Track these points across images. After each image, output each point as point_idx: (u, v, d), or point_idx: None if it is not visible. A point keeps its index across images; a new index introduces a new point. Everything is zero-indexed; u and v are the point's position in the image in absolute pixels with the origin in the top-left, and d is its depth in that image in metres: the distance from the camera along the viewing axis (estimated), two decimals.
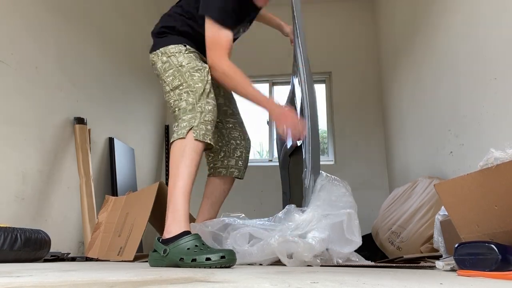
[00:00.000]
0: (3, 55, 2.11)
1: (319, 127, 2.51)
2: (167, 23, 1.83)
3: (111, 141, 3.16)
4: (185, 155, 1.52)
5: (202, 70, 1.66)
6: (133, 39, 3.63)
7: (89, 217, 2.48)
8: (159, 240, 1.43)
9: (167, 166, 4.18)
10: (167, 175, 4.15)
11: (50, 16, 2.50)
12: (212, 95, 1.65)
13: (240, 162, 1.92)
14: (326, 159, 4.10)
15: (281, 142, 2.54)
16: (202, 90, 1.60)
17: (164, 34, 1.80)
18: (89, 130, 2.78)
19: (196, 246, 1.32)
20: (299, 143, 2.15)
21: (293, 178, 2.35)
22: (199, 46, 1.78)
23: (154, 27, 1.88)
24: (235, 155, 1.91)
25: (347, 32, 4.39)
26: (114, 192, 3.04)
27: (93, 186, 2.62)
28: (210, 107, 1.61)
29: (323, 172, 1.80)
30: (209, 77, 1.67)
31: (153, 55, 1.79)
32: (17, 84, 2.19)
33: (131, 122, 3.57)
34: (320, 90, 4.38)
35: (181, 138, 1.53)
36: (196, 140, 1.53)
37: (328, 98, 4.31)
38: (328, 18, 4.45)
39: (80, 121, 2.69)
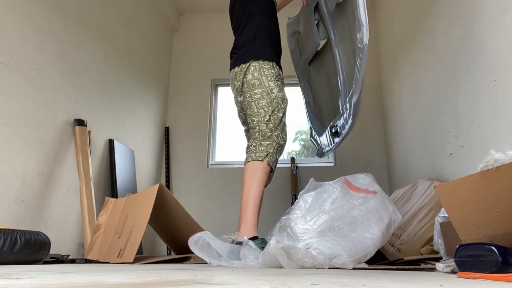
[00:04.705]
0: (3, 57, 2.11)
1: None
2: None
3: (111, 142, 3.16)
4: (258, 176, 1.87)
5: (285, 102, 2.04)
6: (133, 40, 3.64)
7: (89, 219, 2.48)
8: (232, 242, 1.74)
9: (167, 167, 4.18)
10: (167, 176, 4.15)
11: (50, 18, 2.50)
12: (286, 127, 2.06)
13: (270, 174, 2.19)
14: (326, 161, 4.10)
15: (295, 53, 2.57)
16: (280, 121, 1.99)
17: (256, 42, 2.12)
18: (89, 131, 2.78)
19: (262, 247, 1.55)
20: (321, 42, 2.27)
21: (316, 85, 2.38)
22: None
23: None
24: None
25: None
26: (114, 194, 3.04)
27: (93, 188, 2.62)
28: (284, 136, 2.01)
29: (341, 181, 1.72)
30: (286, 109, 2.05)
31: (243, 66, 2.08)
32: (17, 86, 2.19)
33: (131, 123, 3.57)
34: None
35: (259, 160, 1.90)
36: (268, 164, 1.91)
37: None
38: None
39: (80, 122, 2.69)
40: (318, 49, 2.36)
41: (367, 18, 1.75)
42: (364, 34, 1.74)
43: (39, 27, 2.40)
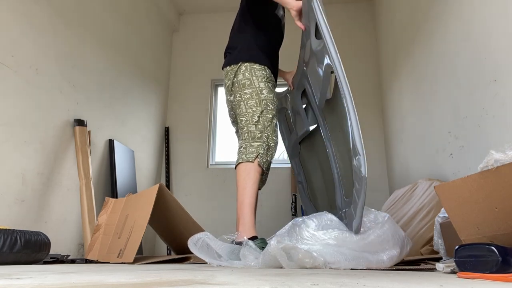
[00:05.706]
0: (3, 57, 2.11)
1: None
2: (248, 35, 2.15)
3: (111, 143, 3.16)
4: (251, 176, 1.88)
5: (274, 104, 2.04)
6: (133, 40, 3.64)
7: (89, 219, 2.48)
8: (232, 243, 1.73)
9: (167, 167, 4.18)
10: (167, 177, 4.15)
11: (50, 18, 2.50)
12: (277, 128, 2.05)
13: (264, 177, 2.18)
14: None
15: (284, 131, 2.53)
16: (270, 122, 1.99)
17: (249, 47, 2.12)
18: (89, 132, 2.78)
19: (262, 247, 1.56)
20: (311, 128, 2.21)
21: (308, 166, 2.33)
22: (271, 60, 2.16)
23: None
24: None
25: (347, 34, 4.39)
26: (114, 194, 3.04)
27: (93, 188, 2.62)
28: (274, 138, 2.00)
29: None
30: (276, 111, 2.05)
31: (233, 67, 2.09)
32: (17, 86, 2.20)
33: (131, 123, 3.57)
34: None
35: (250, 161, 1.90)
36: (259, 165, 1.92)
37: None
38: (328, 20, 4.45)
39: (80, 123, 2.69)
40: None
41: (363, 146, 1.47)
42: (362, 164, 1.45)
43: (39, 27, 2.40)
